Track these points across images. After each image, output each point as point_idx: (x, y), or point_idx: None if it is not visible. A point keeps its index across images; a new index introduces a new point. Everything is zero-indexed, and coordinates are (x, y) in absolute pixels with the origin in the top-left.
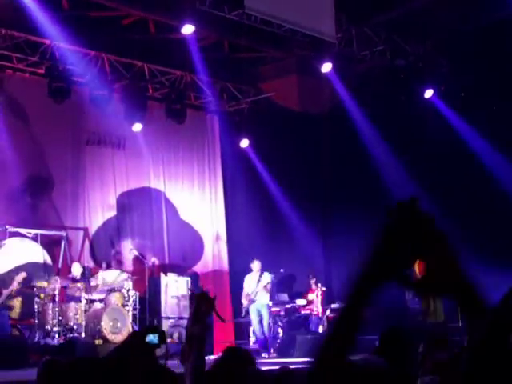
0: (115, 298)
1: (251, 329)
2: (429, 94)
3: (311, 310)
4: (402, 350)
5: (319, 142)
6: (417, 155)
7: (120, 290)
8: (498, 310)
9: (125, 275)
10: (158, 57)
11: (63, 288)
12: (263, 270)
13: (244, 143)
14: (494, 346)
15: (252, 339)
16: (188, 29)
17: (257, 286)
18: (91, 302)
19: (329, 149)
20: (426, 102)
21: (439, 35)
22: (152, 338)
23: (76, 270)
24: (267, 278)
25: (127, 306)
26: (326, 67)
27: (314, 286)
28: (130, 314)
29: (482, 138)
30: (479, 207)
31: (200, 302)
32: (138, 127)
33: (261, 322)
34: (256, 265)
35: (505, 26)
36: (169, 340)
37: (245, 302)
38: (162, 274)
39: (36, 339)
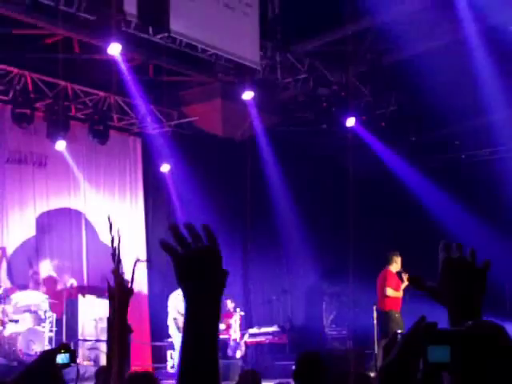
0: (32, 319)
1: (169, 352)
2: (351, 122)
3: (229, 334)
4: (317, 374)
5: (241, 168)
6: (339, 182)
7: (37, 312)
8: (408, 335)
9: (42, 296)
10: (82, 77)
11: None
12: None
13: (165, 168)
14: (402, 370)
15: (170, 363)
16: (115, 48)
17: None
18: (7, 322)
19: (250, 175)
20: (348, 131)
21: (362, 65)
22: (63, 357)
23: None
24: None
25: (44, 327)
26: (248, 95)
27: (232, 311)
28: (47, 335)
29: (405, 165)
30: (402, 233)
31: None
32: (61, 145)
33: None
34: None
35: (422, 60)
36: (85, 363)
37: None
38: (80, 296)
39: None
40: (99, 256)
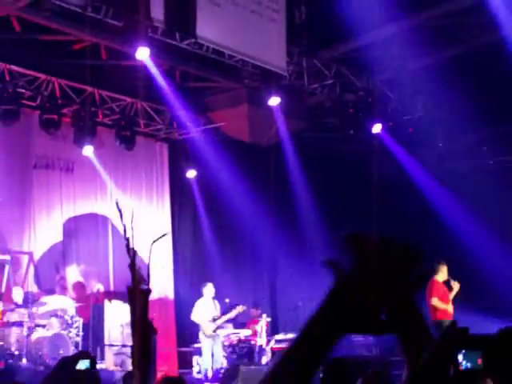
0: (58, 324)
1: (195, 358)
2: (377, 128)
3: (256, 340)
4: (344, 381)
5: (267, 174)
6: (364, 189)
7: (63, 316)
8: (440, 341)
9: (69, 301)
10: (109, 83)
11: (5, 312)
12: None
13: (191, 173)
14: (433, 375)
15: (196, 369)
16: (143, 52)
17: (221, 314)
18: (34, 327)
19: (276, 181)
20: (375, 137)
21: (389, 70)
22: (84, 363)
23: (17, 295)
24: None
25: (70, 332)
26: (274, 101)
27: (258, 317)
28: (73, 340)
29: (429, 174)
30: (425, 241)
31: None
32: (88, 150)
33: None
34: (209, 289)
35: (452, 64)
36: (112, 368)
37: (210, 327)
38: (106, 301)
39: None
40: (125, 261)
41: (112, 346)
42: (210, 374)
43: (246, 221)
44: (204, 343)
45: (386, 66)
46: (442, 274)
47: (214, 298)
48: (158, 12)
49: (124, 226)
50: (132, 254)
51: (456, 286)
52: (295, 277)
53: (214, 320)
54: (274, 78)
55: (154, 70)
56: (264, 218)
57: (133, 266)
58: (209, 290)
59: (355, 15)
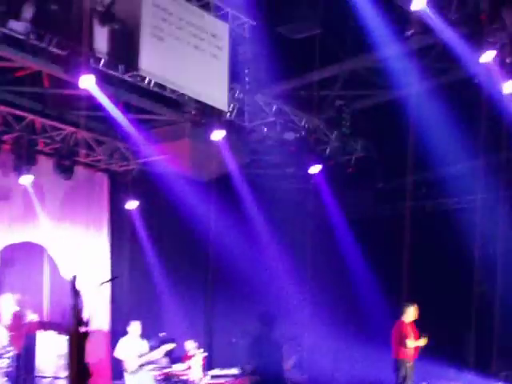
0: None
1: None
2: (315, 169)
3: (190, 375)
4: None
5: (207, 209)
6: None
7: None
8: None
9: (2, 330)
10: (50, 112)
11: None
12: (144, 331)
13: (131, 205)
14: None
15: None
16: (87, 80)
17: (149, 352)
18: None
19: (216, 216)
20: (313, 177)
21: (330, 111)
22: None
23: None
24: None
25: (2, 362)
26: (217, 135)
27: (194, 351)
28: (5, 371)
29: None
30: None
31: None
32: (25, 179)
33: None
34: (135, 327)
35: (394, 105)
36: None
37: (133, 364)
38: (40, 332)
39: None
40: (61, 291)
41: (44, 377)
42: None
43: (182, 254)
44: (127, 381)
45: (328, 106)
46: (409, 316)
47: (140, 337)
48: (101, 43)
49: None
50: (74, 296)
51: (423, 340)
52: (232, 311)
53: (140, 357)
54: (216, 113)
55: (99, 98)
56: (201, 252)
57: (75, 309)
58: (134, 328)
59: (297, 55)
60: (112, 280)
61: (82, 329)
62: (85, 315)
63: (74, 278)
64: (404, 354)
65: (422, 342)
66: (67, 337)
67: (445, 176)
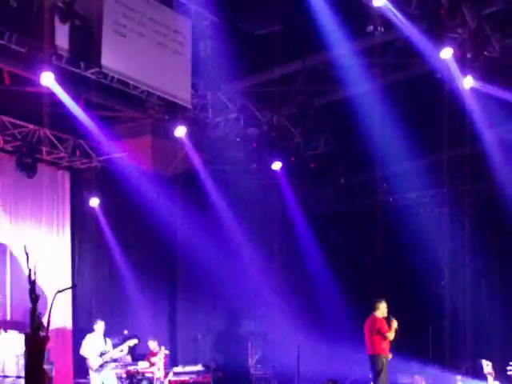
0: None
1: None
2: (277, 166)
3: (154, 373)
4: None
5: (170, 205)
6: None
7: None
8: None
9: None
10: (11, 109)
11: None
12: (108, 329)
13: (93, 202)
14: None
15: None
16: (47, 77)
17: (113, 349)
18: None
19: (179, 212)
20: (276, 172)
21: (292, 106)
22: None
23: None
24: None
25: None
26: (180, 131)
27: (157, 349)
28: None
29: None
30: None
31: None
32: None
33: None
34: (100, 326)
35: (356, 101)
36: None
37: (96, 362)
38: (1, 331)
39: None
40: (23, 290)
41: (6, 377)
42: None
43: (146, 252)
44: (92, 378)
45: (290, 102)
46: (381, 311)
47: (104, 335)
48: (62, 40)
49: (29, 271)
50: (34, 299)
51: (394, 323)
52: (195, 308)
53: (102, 354)
54: (179, 109)
55: (60, 95)
56: (164, 250)
57: (33, 312)
58: (99, 326)
59: (259, 51)
60: (71, 288)
61: (42, 333)
62: (44, 319)
63: (34, 281)
64: (380, 348)
65: (395, 324)
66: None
67: (406, 171)
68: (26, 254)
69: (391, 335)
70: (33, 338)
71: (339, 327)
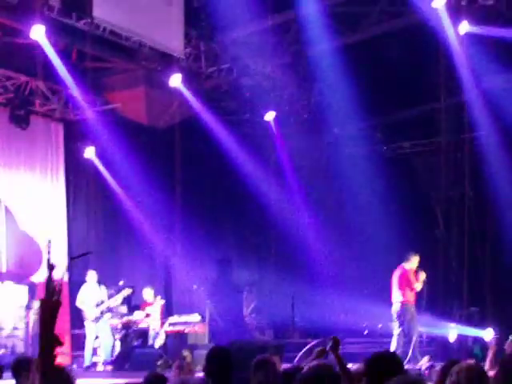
0: None
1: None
2: (270, 116)
3: (149, 323)
4: (225, 370)
5: (168, 155)
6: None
7: None
8: None
9: None
10: (4, 61)
11: None
12: (103, 280)
13: (88, 153)
14: None
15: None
16: (38, 31)
17: (108, 297)
18: None
19: (179, 162)
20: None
21: (287, 55)
22: None
23: None
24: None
25: None
26: (174, 80)
27: (152, 299)
28: None
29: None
30: None
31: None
32: None
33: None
34: (92, 276)
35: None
36: (1, 351)
37: (92, 313)
38: None
39: None
40: (18, 242)
41: (2, 329)
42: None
43: (142, 202)
44: (87, 328)
45: (284, 51)
46: (411, 263)
47: (98, 283)
48: None
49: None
50: (49, 268)
51: (422, 275)
52: (192, 259)
53: (98, 305)
54: (172, 60)
55: (48, 49)
56: (160, 199)
57: (49, 280)
58: (91, 276)
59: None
60: (84, 255)
61: (54, 297)
62: (58, 286)
63: (49, 247)
64: (408, 299)
65: (423, 276)
66: (38, 305)
67: (402, 120)
68: (49, 248)
69: (418, 286)
70: (47, 304)
71: (329, 276)
